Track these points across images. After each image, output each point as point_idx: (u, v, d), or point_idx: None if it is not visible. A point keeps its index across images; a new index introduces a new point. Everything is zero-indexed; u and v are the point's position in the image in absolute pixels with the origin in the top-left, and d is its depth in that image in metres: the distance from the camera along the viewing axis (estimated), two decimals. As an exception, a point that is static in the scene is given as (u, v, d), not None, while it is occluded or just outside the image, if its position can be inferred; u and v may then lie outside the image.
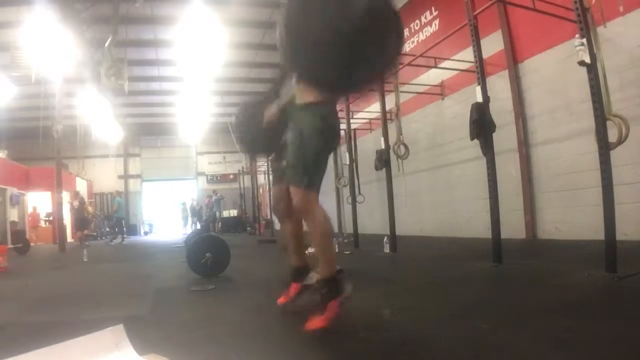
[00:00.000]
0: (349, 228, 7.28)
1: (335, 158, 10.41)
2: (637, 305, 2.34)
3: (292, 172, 2.21)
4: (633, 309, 2.24)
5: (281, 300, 2.76)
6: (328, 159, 2.31)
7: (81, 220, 13.10)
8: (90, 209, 17.76)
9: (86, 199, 18.67)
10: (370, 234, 8.68)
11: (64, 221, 12.48)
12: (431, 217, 8.42)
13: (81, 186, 19.91)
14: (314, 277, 2.65)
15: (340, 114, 8.90)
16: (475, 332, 1.99)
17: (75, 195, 14.07)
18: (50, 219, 16.11)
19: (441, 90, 7.85)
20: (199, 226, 18.66)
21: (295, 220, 2.61)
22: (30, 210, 16.37)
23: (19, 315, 3.01)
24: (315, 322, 1.96)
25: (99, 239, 17.37)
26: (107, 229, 16.48)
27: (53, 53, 9.61)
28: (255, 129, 2.56)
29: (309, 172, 2.18)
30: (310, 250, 2.75)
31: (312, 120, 2.23)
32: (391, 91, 6.70)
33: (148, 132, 23.49)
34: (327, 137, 2.29)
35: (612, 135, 3.22)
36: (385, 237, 5.89)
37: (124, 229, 15.50)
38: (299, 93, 2.34)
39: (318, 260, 2.16)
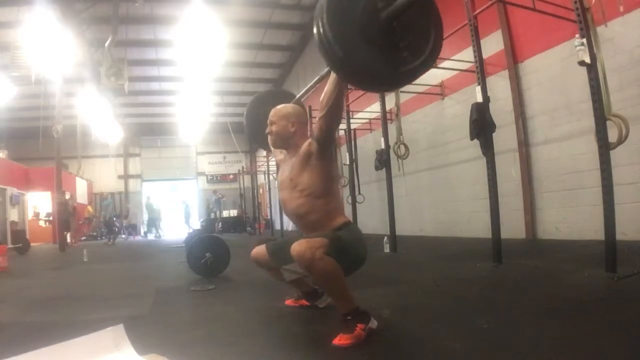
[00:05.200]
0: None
1: (336, 158, 10.40)
2: (637, 305, 2.34)
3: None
4: (633, 309, 2.24)
5: (289, 302, 2.81)
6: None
7: (65, 221, 12.97)
8: (90, 209, 17.80)
9: (85, 200, 18.71)
10: (370, 234, 8.68)
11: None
12: (431, 217, 8.42)
13: (81, 186, 19.92)
14: (324, 302, 2.67)
15: (343, 116, 8.89)
16: (475, 332, 1.99)
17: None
18: (50, 219, 16.11)
19: (441, 90, 7.84)
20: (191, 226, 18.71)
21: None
22: (31, 213, 16.38)
23: (19, 315, 3.02)
24: (343, 340, 1.90)
25: (98, 239, 17.39)
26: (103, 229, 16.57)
27: (53, 53, 9.61)
28: (263, 121, 2.55)
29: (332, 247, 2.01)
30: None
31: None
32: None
33: (148, 132, 23.49)
34: (348, 259, 2.12)
35: (612, 135, 3.22)
36: (385, 237, 5.89)
37: (115, 229, 15.53)
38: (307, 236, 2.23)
39: (333, 299, 2.12)
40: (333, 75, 1.95)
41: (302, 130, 2.36)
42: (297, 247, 1.97)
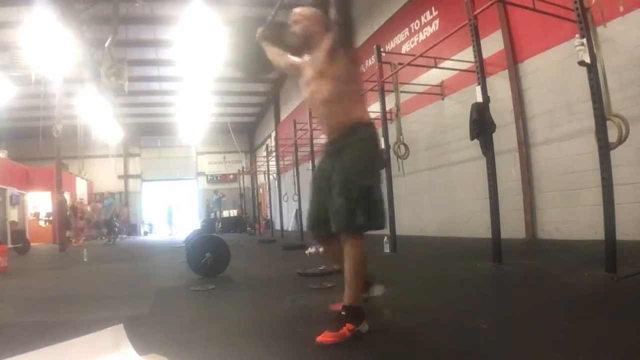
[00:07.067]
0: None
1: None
2: (637, 305, 2.34)
3: (342, 214, 2.11)
4: (633, 309, 2.24)
5: (336, 307, 2.42)
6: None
7: (66, 221, 12.92)
8: (88, 209, 17.78)
9: (85, 200, 18.70)
10: (371, 233, 8.67)
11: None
12: (431, 217, 8.42)
13: (81, 186, 19.91)
14: (378, 290, 2.51)
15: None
16: (475, 332, 1.99)
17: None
18: (50, 219, 16.11)
19: (441, 90, 7.84)
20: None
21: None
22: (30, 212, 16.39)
23: (19, 315, 3.02)
24: (327, 337, 1.94)
25: (98, 239, 17.39)
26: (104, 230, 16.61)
27: (53, 53, 9.61)
28: (250, 47, 2.54)
29: (362, 213, 2.12)
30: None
31: (360, 150, 2.18)
32: (391, 91, 6.69)
33: (148, 132, 23.51)
34: (378, 164, 2.30)
35: (612, 135, 3.22)
36: (385, 237, 5.88)
37: (115, 229, 15.55)
38: (328, 128, 2.32)
39: (345, 286, 2.13)
40: None
41: (323, 31, 2.37)
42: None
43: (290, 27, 2.45)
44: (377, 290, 2.51)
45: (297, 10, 2.47)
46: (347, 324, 1.98)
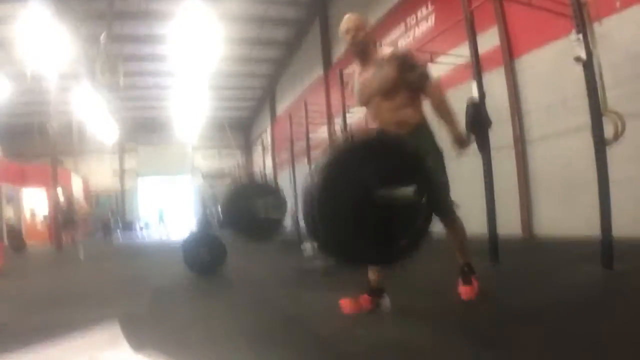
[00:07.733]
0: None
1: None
2: (634, 301, 2.35)
3: (444, 207, 2.53)
4: (629, 305, 2.25)
5: (347, 308, 2.42)
6: None
7: (67, 220, 12.83)
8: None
9: (80, 198, 18.63)
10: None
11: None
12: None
13: (76, 183, 19.80)
14: (385, 306, 2.51)
15: (339, 111, 8.84)
16: (473, 332, 2.00)
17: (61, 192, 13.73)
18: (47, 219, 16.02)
19: (437, 86, 7.83)
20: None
21: None
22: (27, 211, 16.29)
23: (18, 315, 3.01)
24: (469, 293, 2.38)
25: (95, 237, 17.33)
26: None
27: (48, 49, 9.54)
28: (238, 210, 2.71)
29: (450, 198, 2.54)
30: None
31: (433, 146, 2.60)
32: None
33: (144, 128, 23.39)
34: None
35: (608, 132, 3.23)
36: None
37: (111, 226, 15.51)
38: (396, 129, 2.51)
39: (460, 251, 2.60)
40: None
41: (374, 39, 2.60)
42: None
43: (346, 31, 2.50)
44: (385, 305, 2.53)
45: (353, 17, 2.52)
46: (472, 276, 2.45)
